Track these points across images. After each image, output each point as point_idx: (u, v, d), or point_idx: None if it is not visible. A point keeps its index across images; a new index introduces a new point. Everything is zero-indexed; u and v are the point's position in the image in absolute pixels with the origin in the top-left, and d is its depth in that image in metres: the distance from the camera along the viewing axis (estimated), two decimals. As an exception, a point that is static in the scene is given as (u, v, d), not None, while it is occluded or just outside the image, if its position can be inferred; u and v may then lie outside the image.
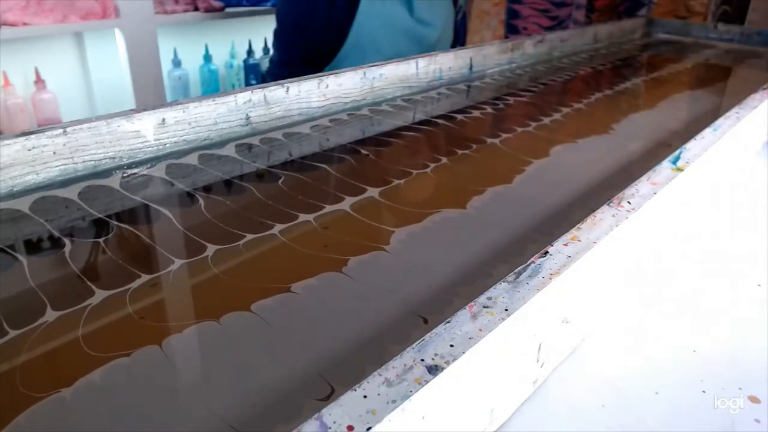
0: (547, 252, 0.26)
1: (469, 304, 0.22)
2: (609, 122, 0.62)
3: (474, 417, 0.23)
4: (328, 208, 0.40)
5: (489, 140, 0.55)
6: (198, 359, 0.27)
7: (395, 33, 0.88)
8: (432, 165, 0.48)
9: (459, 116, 0.62)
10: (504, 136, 0.56)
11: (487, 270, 0.33)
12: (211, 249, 0.34)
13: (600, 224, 0.29)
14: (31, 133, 0.39)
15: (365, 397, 0.17)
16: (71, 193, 0.40)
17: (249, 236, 0.36)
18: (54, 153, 0.41)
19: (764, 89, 0.55)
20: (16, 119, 1.26)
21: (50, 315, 0.28)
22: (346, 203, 0.41)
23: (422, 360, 0.19)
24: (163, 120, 0.46)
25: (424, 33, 0.91)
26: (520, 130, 0.58)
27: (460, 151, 0.52)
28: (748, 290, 0.39)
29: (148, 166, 0.45)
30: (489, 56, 0.79)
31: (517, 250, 0.35)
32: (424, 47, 0.90)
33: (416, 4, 0.89)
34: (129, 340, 0.27)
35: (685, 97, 0.76)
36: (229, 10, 1.55)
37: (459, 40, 1.08)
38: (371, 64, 0.63)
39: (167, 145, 0.47)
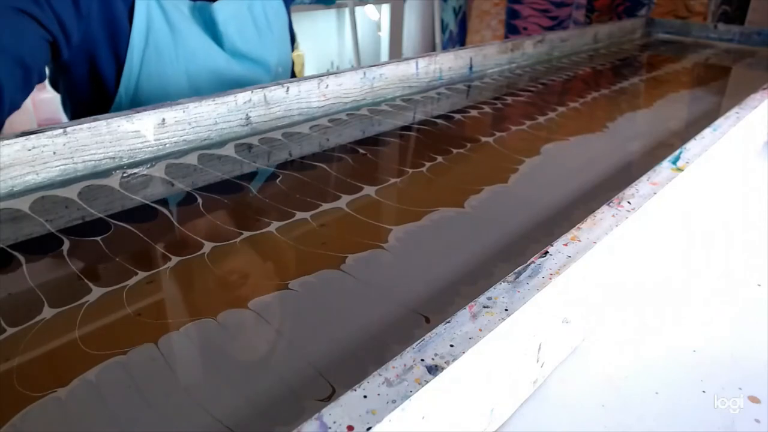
0: (547, 252, 0.26)
1: (469, 304, 0.22)
2: (604, 121, 0.62)
3: (474, 417, 0.23)
4: (326, 206, 0.40)
5: (483, 139, 0.55)
6: (195, 358, 0.27)
7: (199, 79, 0.61)
8: (428, 164, 0.48)
9: (456, 116, 0.62)
10: (498, 135, 0.56)
11: (488, 269, 0.33)
12: (207, 246, 0.34)
13: (600, 224, 0.29)
14: (31, 133, 0.39)
15: (365, 397, 0.17)
16: (71, 192, 0.40)
17: (245, 233, 0.36)
18: (54, 153, 0.41)
19: (764, 89, 0.55)
20: (16, 119, 1.25)
21: (47, 312, 0.28)
22: (343, 201, 0.41)
23: (422, 360, 0.19)
24: (163, 120, 0.46)
25: (247, 72, 0.65)
26: (514, 129, 0.58)
27: (455, 150, 0.52)
28: (748, 290, 0.39)
29: (148, 166, 0.45)
30: (489, 56, 0.79)
31: (518, 250, 0.35)
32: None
33: (224, 31, 0.62)
34: (126, 337, 0.27)
35: (683, 97, 0.76)
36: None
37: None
38: (371, 64, 0.63)
39: (167, 145, 0.47)
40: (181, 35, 0.59)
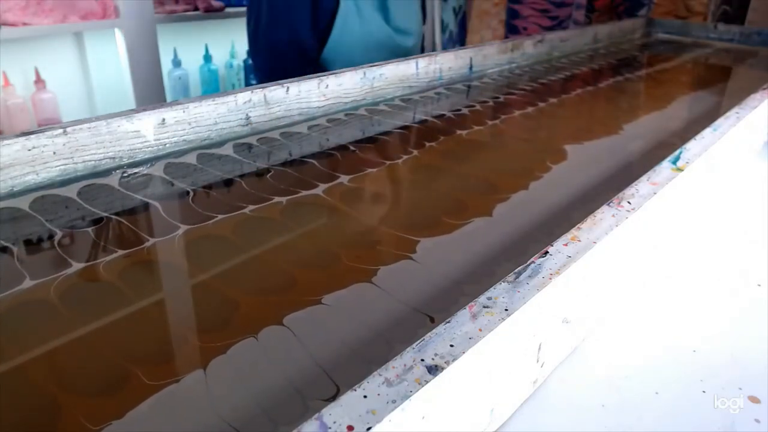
0: (547, 252, 0.26)
1: (469, 304, 0.22)
2: (603, 121, 0.62)
3: (474, 417, 0.23)
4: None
5: (480, 138, 0.55)
6: (236, 377, 0.27)
7: (371, 46, 0.86)
8: (425, 161, 0.48)
9: (448, 114, 0.62)
10: (495, 134, 0.56)
11: (491, 268, 0.33)
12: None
13: (600, 224, 0.29)
14: (31, 133, 0.39)
15: (365, 397, 0.17)
16: (71, 192, 0.40)
17: (222, 216, 0.36)
18: (54, 153, 0.41)
19: (764, 89, 0.55)
20: (16, 119, 1.25)
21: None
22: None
23: (422, 360, 0.19)
24: (163, 120, 0.46)
25: (400, 41, 0.89)
26: (512, 128, 0.58)
27: (451, 149, 0.51)
28: (748, 290, 0.39)
29: (148, 165, 0.45)
30: (489, 56, 0.79)
31: (520, 249, 0.35)
32: (398, 56, 0.86)
33: (392, 11, 0.88)
34: (132, 336, 0.27)
35: (683, 97, 0.76)
36: (229, 10, 1.55)
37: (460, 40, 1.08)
38: (371, 64, 0.63)
39: (167, 145, 0.47)
40: (362, 14, 0.84)
